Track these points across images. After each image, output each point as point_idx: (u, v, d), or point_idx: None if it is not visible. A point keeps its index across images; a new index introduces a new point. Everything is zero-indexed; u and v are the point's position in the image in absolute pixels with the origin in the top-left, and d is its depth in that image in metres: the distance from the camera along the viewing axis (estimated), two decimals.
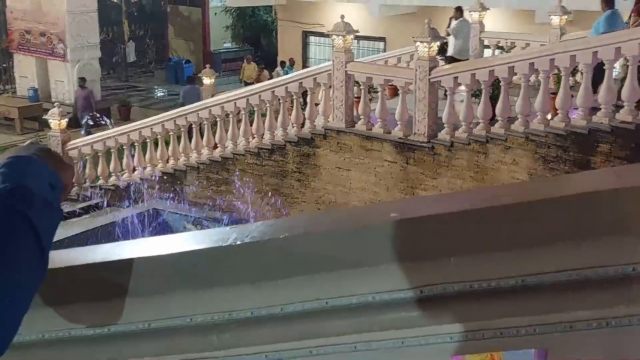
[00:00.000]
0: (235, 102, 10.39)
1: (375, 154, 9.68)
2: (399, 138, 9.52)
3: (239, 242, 1.19)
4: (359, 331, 1.15)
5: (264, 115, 10.37)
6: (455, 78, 9.05)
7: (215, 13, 27.33)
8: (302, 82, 10.02)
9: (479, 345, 1.09)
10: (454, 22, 13.30)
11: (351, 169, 9.91)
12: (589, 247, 1.01)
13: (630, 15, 9.28)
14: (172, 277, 1.25)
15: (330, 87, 9.88)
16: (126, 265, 1.26)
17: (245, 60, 21.87)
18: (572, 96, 8.35)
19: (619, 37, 7.76)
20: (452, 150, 9.14)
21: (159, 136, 10.95)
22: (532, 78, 9.23)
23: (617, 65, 9.54)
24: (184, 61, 26.25)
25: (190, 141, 10.79)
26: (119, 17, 26.06)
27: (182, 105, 17.69)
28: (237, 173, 10.51)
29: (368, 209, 1.29)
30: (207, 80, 13.95)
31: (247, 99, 10.32)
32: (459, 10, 13.17)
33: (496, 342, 1.08)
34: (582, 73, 8.53)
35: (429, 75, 9.14)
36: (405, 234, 1.12)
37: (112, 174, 11.25)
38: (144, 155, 11.04)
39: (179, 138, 10.90)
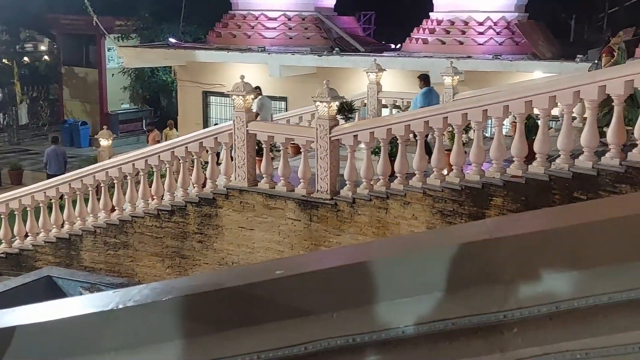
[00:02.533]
0: (133, 164, 10.23)
1: (279, 212, 9.71)
2: (302, 196, 9.60)
3: (120, 306, 1.16)
4: None
5: (163, 176, 10.24)
6: (355, 136, 9.27)
7: (113, 74, 27.00)
8: (202, 142, 9.99)
9: None
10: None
11: (254, 228, 9.88)
12: (463, 297, 1.04)
13: (600, 57, 9.81)
14: (49, 344, 1.20)
15: (231, 146, 9.90)
16: (7, 334, 1.21)
17: (147, 131, 21.37)
18: (466, 152, 8.69)
19: (507, 96, 8.19)
20: (354, 207, 9.29)
21: (52, 200, 10.58)
22: (429, 136, 9.57)
23: (506, 122, 10.06)
24: (79, 123, 25.70)
25: (86, 204, 10.49)
26: (10, 78, 25.31)
27: (46, 166, 17.24)
28: (136, 236, 10.27)
29: (254, 267, 1.29)
30: (104, 142, 13.68)
31: (146, 160, 10.18)
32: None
33: None
34: (474, 130, 8.92)
35: (330, 133, 9.32)
36: (290, 290, 1.13)
37: (2, 241, 10.74)
38: (37, 221, 10.62)
39: (74, 202, 10.58)
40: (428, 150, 9.22)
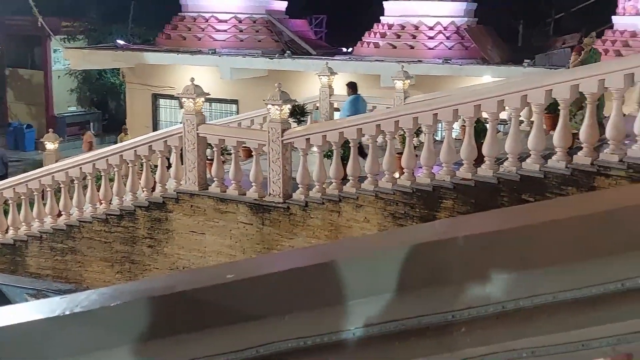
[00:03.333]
0: (80, 167, 10.05)
1: (231, 216, 9.65)
2: (254, 199, 9.57)
3: (67, 313, 1.14)
4: None
5: (111, 180, 10.09)
6: (308, 139, 9.28)
7: (59, 76, 26.46)
8: (152, 145, 9.88)
9: None
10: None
11: (206, 232, 9.80)
12: (413, 298, 1.06)
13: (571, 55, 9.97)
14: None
15: (181, 149, 9.82)
16: None
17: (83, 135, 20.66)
18: (417, 155, 8.79)
19: (457, 100, 8.32)
20: (306, 210, 9.29)
21: None
22: (380, 139, 9.65)
23: (456, 125, 10.21)
24: (25, 126, 25.12)
25: (31, 209, 10.26)
26: None
27: None
28: (84, 241, 10.08)
29: (205, 271, 1.28)
30: (50, 145, 13.37)
31: (94, 164, 10.01)
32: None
33: None
34: (425, 134, 9.02)
35: (282, 136, 9.32)
36: (241, 294, 1.13)
37: None
38: None
39: (19, 206, 10.33)
40: (362, 154, 9.33)
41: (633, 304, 1.00)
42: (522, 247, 1.04)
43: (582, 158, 7.55)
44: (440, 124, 9.11)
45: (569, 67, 9.73)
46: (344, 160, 9.30)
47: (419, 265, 1.06)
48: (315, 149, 9.52)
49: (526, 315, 1.02)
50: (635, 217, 1.06)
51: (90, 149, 14.71)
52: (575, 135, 7.97)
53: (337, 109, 14.44)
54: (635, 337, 1.01)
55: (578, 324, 1.01)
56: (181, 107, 10.22)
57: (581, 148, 7.61)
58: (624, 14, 17.38)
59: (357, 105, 12.10)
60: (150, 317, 1.14)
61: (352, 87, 12.44)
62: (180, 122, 10.17)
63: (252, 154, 9.91)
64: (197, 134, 9.67)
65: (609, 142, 7.44)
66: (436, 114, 8.47)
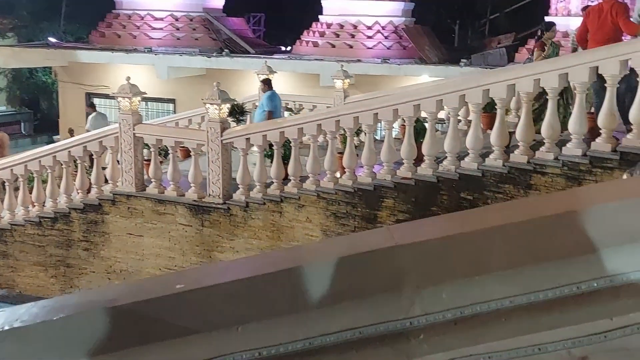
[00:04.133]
0: (12, 169, 9.73)
1: (169, 217, 9.50)
2: (194, 200, 9.44)
3: (7, 327, 1.08)
4: None
5: (44, 181, 9.80)
6: (248, 139, 9.21)
7: None
8: (86, 146, 9.64)
9: None
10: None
11: (144, 234, 9.62)
12: (369, 305, 1.04)
13: (532, 51, 10.01)
14: None
15: (117, 150, 9.61)
16: None
17: None
18: (358, 155, 8.83)
19: (397, 100, 8.38)
20: (247, 211, 9.22)
21: None
22: (321, 138, 9.66)
23: (396, 125, 10.30)
24: None
25: None
26: None
27: None
28: (16, 245, 9.77)
29: (153, 281, 1.24)
30: None
31: (26, 165, 9.70)
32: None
33: None
34: (365, 133, 9.06)
35: (221, 136, 9.23)
36: (192, 305, 1.09)
37: None
38: None
39: None
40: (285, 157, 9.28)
41: (587, 306, 1.01)
42: (477, 252, 1.04)
43: (518, 156, 7.71)
44: (380, 124, 9.17)
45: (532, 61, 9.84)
46: (285, 160, 9.27)
47: (375, 272, 1.04)
48: (255, 148, 9.46)
49: (483, 320, 1.01)
50: (585, 221, 1.06)
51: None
52: (511, 134, 8.14)
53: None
54: (590, 340, 1.02)
55: (534, 327, 1.01)
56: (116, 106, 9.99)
57: (518, 147, 7.78)
58: (556, 15, 17.88)
59: (275, 100, 12.21)
60: (96, 331, 1.08)
61: (267, 83, 12.67)
62: (116, 122, 9.94)
63: (191, 154, 9.78)
64: (134, 134, 9.48)
65: (544, 141, 7.62)
66: (376, 113, 8.52)
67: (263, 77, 13.38)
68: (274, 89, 12.58)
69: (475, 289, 1.00)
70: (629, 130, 7.18)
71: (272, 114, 11.97)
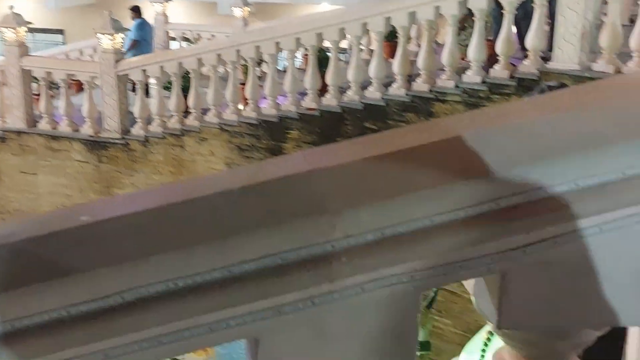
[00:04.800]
0: None
1: (64, 154, 9.14)
2: (89, 136, 9.11)
3: None
4: (60, 349, 1.02)
5: None
6: (144, 71, 8.90)
7: None
8: None
9: (189, 344, 1.04)
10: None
11: (38, 172, 9.22)
12: (289, 230, 1.00)
13: None
14: None
15: (3, 84, 9.09)
16: None
17: None
18: (261, 86, 8.71)
19: (299, 28, 8.26)
20: (147, 146, 8.99)
21: None
22: (221, 69, 9.44)
23: (298, 54, 10.18)
24: None
25: None
26: None
27: None
28: None
29: (54, 214, 1.15)
30: None
31: None
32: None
33: (206, 338, 1.04)
34: (267, 63, 8.92)
35: (116, 68, 8.87)
36: (100, 237, 1.02)
37: None
38: None
39: None
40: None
41: (506, 223, 1.01)
42: (395, 172, 1.01)
43: (420, 85, 7.82)
44: (281, 53, 9.05)
45: None
46: (185, 92, 9.04)
47: (292, 197, 1.00)
48: (153, 80, 9.16)
49: (404, 241, 1.00)
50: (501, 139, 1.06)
51: None
52: (413, 63, 8.21)
53: (173, 39, 13.94)
54: (509, 255, 1.03)
55: (455, 245, 1.00)
56: None
57: (419, 75, 7.87)
58: None
59: (144, 29, 12.06)
60: None
61: (136, 10, 12.31)
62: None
63: (84, 87, 9.38)
64: (21, 67, 8.97)
65: (444, 69, 7.74)
66: (278, 42, 8.40)
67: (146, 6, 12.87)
68: (144, 17, 12.14)
69: (396, 210, 0.97)
70: (526, 57, 7.39)
71: (137, 44, 11.55)
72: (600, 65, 6.92)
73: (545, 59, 7.37)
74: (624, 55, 6.98)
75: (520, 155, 1.03)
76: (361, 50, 8.67)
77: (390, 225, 1.00)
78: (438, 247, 1.01)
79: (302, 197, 1.02)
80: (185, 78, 9.15)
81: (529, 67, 7.30)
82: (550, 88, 4.55)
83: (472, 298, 1.22)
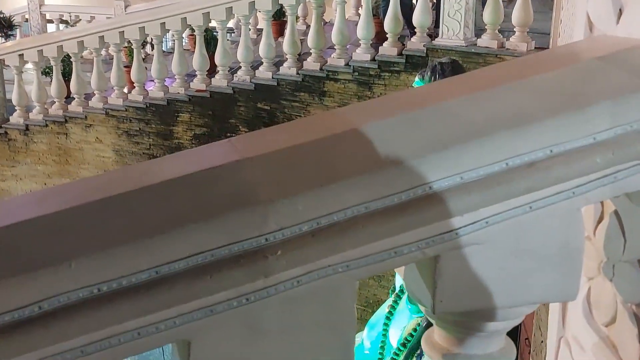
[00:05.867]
0: None
1: None
2: None
3: None
4: None
5: None
6: (21, 55, 8.42)
7: None
8: None
9: (116, 352, 0.97)
10: None
11: None
12: (220, 225, 0.95)
13: None
14: None
15: None
16: None
17: None
18: (147, 68, 8.43)
19: (185, 8, 8.03)
20: (28, 134, 8.54)
21: None
22: (104, 52, 9.07)
23: (184, 35, 9.93)
24: None
25: None
26: None
27: None
28: None
29: None
30: None
31: None
32: None
33: (134, 344, 0.97)
34: (152, 45, 8.64)
35: None
36: (8, 243, 0.93)
37: None
38: None
39: None
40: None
41: (439, 206, 1.00)
42: (327, 158, 0.98)
43: (311, 64, 7.81)
44: (167, 34, 8.80)
45: None
46: (66, 77, 8.63)
47: (221, 190, 0.95)
48: (30, 65, 8.69)
49: (340, 230, 0.97)
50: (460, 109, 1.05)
51: None
52: (302, 42, 8.19)
53: (51, 21, 13.26)
54: (443, 238, 1.02)
55: (389, 232, 0.98)
56: None
57: (310, 54, 7.86)
58: None
59: None
60: None
61: None
62: None
63: None
64: None
65: (335, 47, 7.77)
66: (164, 22, 8.14)
67: None
68: None
69: (331, 198, 0.94)
70: (413, 34, 7.53)
71: None
72: (484, 41, 7.16)
73: (432, 36, 7.55)
74: (506, 31, 7.25)
75: (450, 136, 1.02)
76: (249, 30, 8.55)
77: (326, 215, 0.97)
78: (373, 235, 0.99)
79: (232, 188, 0.97)
80: (66, 62, 8.73)
81: (416, 44, 7.45)
82: (442, 65, 4.66)
83: (400, 281, 1.21)
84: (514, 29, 7.12)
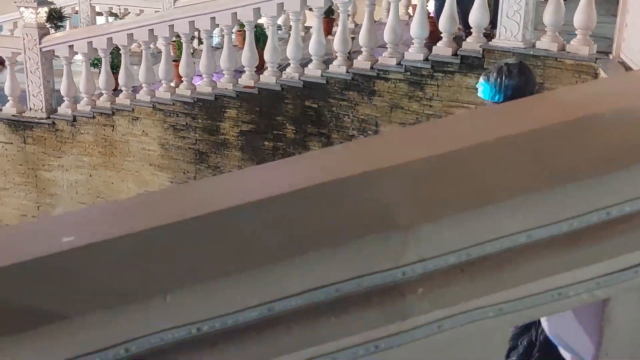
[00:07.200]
0: None
1: None
2: (13, 115, 8.55)
3: None
4: None
5: None
6: (71, 47, 8.38)
7: None
8: None
9: None
10: None
11: None
12: (346, 254, 0.76)
13: None
14: None
15: None
16: None
17: None
18: (195, 63, 8.34)
19: (236, 3, 7.90)
20: (75, 125, 8.50)
21: None
22: (152, 46, 9.01)
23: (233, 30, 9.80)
24: None
25: None
26: None
27: None
28: None
29: (17, 231, 0.87)
30: None
31: None
32: None
33: None
34: (199, 40, 8.54)
35: (40, 44, 8.32)
36: (92, 267, 0.75)
37: None
38: None
39: None
40: None
41: (616, 237, 0.80)
42: (478, 172, 0.78)
43: (362, 62, 7.61)
44: (216, 29, 8.70)
45: None
46: (115, 69, 8.58)
47: (349, 208, 0.76)
48: (79, 57, 8.65)
49: (494, 263, 0.77)
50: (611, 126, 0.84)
51: None
52: (353, 40, 8.00)
53: (100, 14, 13.29)
54: (618, 277, 0.81)
55: (554, 268, 0.78)
56: None
57: (361, 52, 7.67)
58: None
59: None
60: None
61: None
62: None
63: (5, 64, 8.78)
64: None
65: (387, 46, 7.56)
66: (214, 17, 8.03)
67: None
68: None
69: (483, 224, 0.74)
70: (469, 34, 7.28)
71: None
72: (543, 43, 6.88)
73: (488, 36, 7.29)
74: (566, 33, 6.96)
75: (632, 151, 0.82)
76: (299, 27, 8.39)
77: (477, 244, 0.77)
78: (535, 272, 0.79)
79: (362, 208, 0.78)
80: (115, 55, 8.67)
81: (472, 44, 7.20)
82: (508, 66, 4.42)
83: (546, 329, 1.01)
84: (575, 32, 6.83)
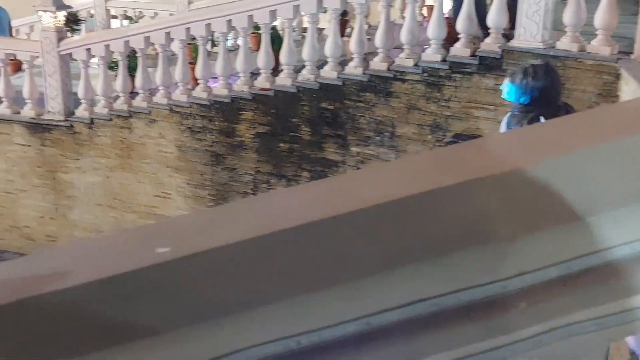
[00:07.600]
0: None
1: (4, 137, 8.59)
2: (31, 118, 8.58)
3: None
4: None
5: None
6: (88, 50, 8.40)
7: None
8: None
9: None
10: None
11: None
12: (444, 267, 0.74)
13: None
14: None
15: None
16: None
17: None
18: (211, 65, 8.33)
19: (252, 5, 7.89)
20: (93, 128, 8.51)
21: None
22: (168, 48, 9.01)
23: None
24: None
25: None
26: None
27: None
28: None
29: (108, 242, 0.85)
30: None
31: None
32: None
33: None
34: (212, 42, 8.54)
35: (58, 47, 8.34)
36: (187, 280, 0.74)
37: None
38: None
39: None
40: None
41: None
42: (578, 179, 0.76)
43: (378, 64, 7.57)
44: (232, 32, 8.69)
45: None
46: (132, 72, 8.58)
47: (445, 220, 0.74)
48: (96, 60, 8.66)
49: (596, 276, 0.75)
50: None
51: None
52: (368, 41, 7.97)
53: (115, 17, 13.32)
54: None
55: None
56: None
57: (377, 53, 7.63)
58: None
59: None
60: (35, 330, 0.71)
61: None
62: None
63: (23, 67, 8.82)
64: None
65: (403, 47, 7.53)
66: (230, 20, 8.02)
67: None
68: None
69: (587, 236, 0.72)
70: (487, 35, 7.24)
71: None
72: (563, 44, 6.83)
73: (507, 37, 7.24)
74: (586, 33, 6.91)
75: None
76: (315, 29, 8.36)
77: (579, 256, 0.75)
78: (635, 285, 0.77)
79: (459, 219, 0.76)
80: (131, 58, 8.68)
81: (491, 45, 7.14)
82: (534, 67, 4.39)
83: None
84: (596, 32, 6.77)
